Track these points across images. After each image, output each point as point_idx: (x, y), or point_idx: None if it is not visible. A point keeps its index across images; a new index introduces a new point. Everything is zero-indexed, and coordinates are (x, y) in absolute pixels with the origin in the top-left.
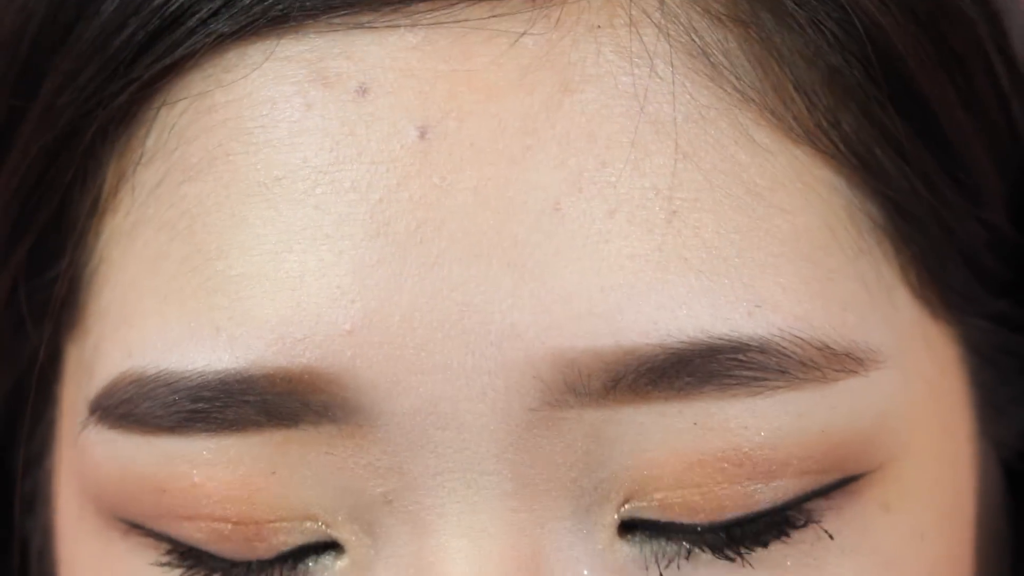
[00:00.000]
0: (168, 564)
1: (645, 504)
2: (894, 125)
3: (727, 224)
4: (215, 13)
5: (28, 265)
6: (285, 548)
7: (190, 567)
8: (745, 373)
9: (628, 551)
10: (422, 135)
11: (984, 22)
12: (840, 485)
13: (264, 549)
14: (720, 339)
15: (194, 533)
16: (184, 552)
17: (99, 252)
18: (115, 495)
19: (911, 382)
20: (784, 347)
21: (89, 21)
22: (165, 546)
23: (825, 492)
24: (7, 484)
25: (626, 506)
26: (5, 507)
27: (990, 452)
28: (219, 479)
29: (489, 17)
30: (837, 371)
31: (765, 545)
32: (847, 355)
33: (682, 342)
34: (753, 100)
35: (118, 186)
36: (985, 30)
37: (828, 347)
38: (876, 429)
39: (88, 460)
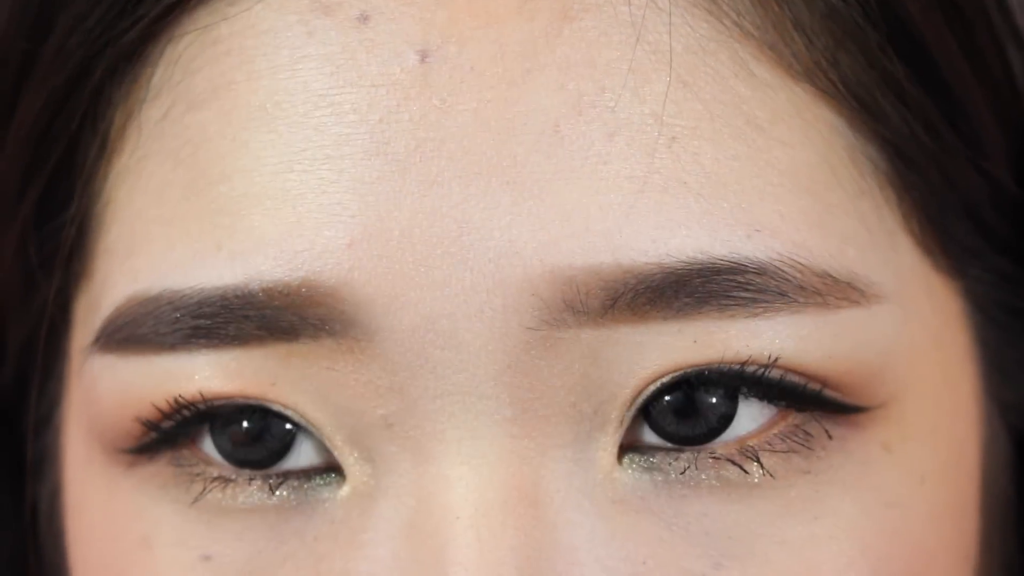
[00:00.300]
0: (169, 488)
1: (644, 426)
2: (893, 67)
3: (726, 152)
4: None
5: (38, 213)
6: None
7: (191, 484)
8: (744, 294)
9: (628, 480)
10: (422, 59)
11: None
12: (845, 411)
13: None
14: (718, 260)
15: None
16: (185, 467)
17: (106, 193)
18: (117, 425)
19: (912, 325)
20: (784, 271)
21: None
22: (165, 470)
23: (830, 406)
24: (18, 446)
25: (625, 430)
26: (16, 470)
27: (995, 412)
28: (217, 390)
29: None
30: (839, 299)
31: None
32: (848, 284)
33: (681, 262)
34: (752, 35)
35: (125, 125)
36: None
37: (828, 275)
38: (880, 365)
39: (92, 394)
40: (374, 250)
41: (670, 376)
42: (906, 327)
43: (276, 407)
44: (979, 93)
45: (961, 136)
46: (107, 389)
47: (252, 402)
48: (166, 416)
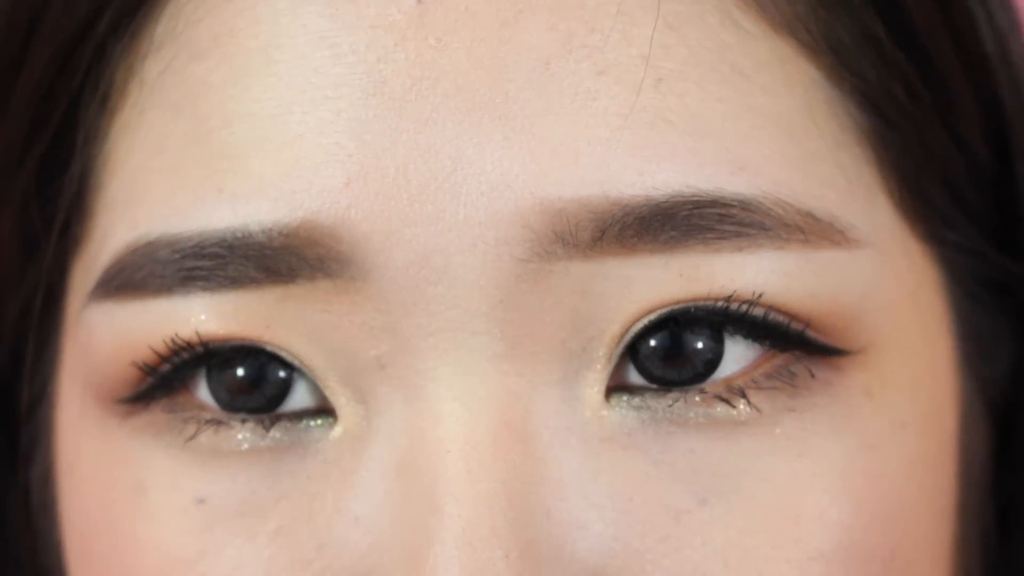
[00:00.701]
0: (163, 434)
1: (632, 370)
2: (873, 26)
3: (711, 95)
4: None
5: (40, 176)
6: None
7: (184, 427)
8: (728, 228)
9: (615, 417)
10: (419, 0)
11: None
12: (827, 352)
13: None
14: (703, 194)
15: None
16: (179, 413)
17: (107, 151)
18: (114, 373)
19: (889, 278)
20: (767, 206)
21: None
22: (160, 417)
23: (813, 347)
24: (16, 424)
25: (613, 368)
26: (15, 447)
27: (974, 388)
28: (212, 334)
29: None
30: (820, 238)
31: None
32: (830, 225)
33: (666, 195)
34: None
35: (127, 80)
36: None
37: (811, 214)
38: (860, 310)
39: (89, 345)
40: (371, 188)
41: (657, 313)
42: (883, 277)
43: (271, 348)
44: (958, 65)
45: (938, 103)
46: (104, 336)
47: (248, 343)
48: (163, 359)
